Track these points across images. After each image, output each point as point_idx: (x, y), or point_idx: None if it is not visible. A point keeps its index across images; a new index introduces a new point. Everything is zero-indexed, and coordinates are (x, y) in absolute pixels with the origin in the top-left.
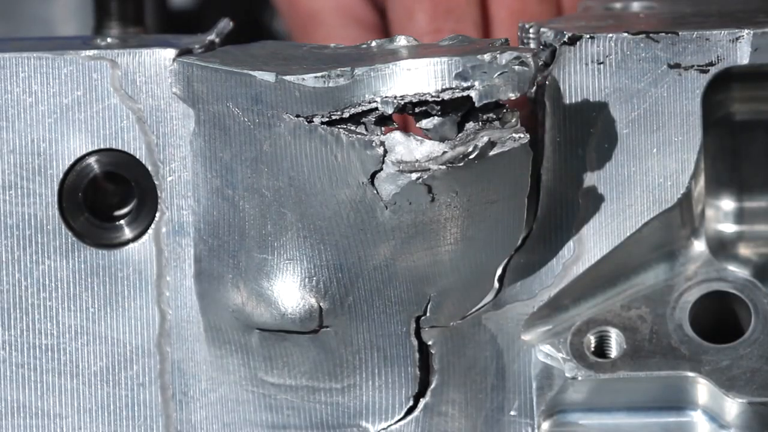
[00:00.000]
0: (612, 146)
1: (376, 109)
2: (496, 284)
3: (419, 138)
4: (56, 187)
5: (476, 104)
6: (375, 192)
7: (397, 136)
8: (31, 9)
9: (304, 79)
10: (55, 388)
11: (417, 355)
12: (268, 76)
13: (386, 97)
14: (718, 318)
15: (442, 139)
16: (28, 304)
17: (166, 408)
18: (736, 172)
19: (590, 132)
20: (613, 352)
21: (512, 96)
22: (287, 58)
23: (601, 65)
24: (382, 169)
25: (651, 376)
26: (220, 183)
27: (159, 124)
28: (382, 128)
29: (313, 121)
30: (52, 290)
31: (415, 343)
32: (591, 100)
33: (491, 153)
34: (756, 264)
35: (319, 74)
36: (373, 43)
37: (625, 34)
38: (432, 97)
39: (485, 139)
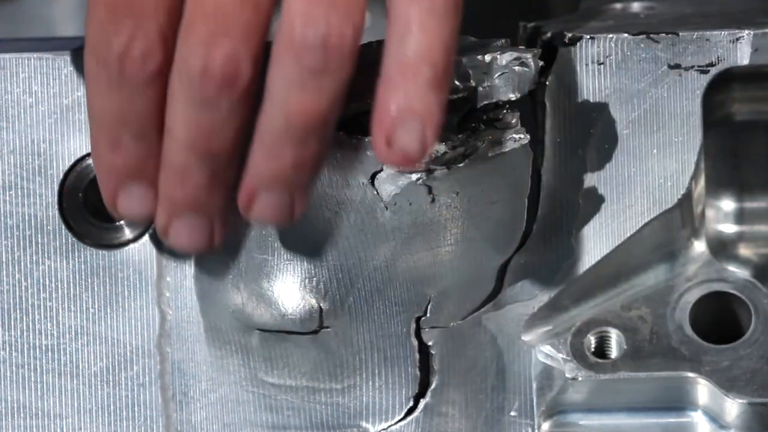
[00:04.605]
0: (612, 147)
1: None
2: (497, 285)
3: None
4: (56, 188)
5: (476, 105)
6: (375, 193)
7: None
8: (31, 9)
9: None
10: (55, 388)
11: (417, 356)
12: None
13: None
14: (719, 318)
15: (442, 140)
16: (28, 304)
17: (167, 408)
18: (737, 172)
19: (590, 132)
20: (614, 352)
21: (512, 97)
22: None
23: (602, 66)
24: (382, 169)
25: (651, 377)
26: None
27: None
28: None
29: None
30: (52, 291)
31: (416, 343)
32: (591, 100)
33: (491, 154)
34: (756, 264)
35: None
36: (375, 44)
37: (626, 35)
38: None
39: (485, 139)
